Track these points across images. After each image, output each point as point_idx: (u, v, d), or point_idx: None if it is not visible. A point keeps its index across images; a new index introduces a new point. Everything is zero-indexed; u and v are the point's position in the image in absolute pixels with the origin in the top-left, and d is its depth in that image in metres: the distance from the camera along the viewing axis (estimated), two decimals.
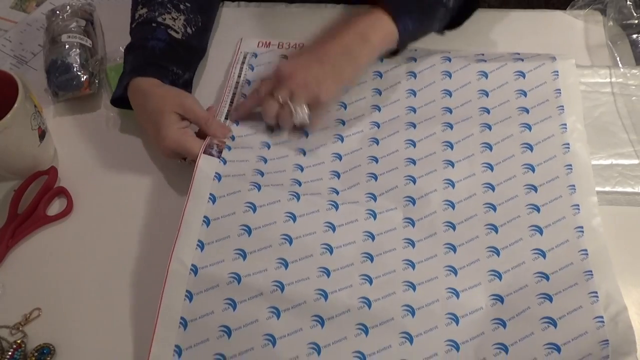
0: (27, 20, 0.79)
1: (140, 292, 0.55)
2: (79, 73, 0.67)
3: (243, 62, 0.69)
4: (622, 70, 0.67)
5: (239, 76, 0.68)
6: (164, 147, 0.58)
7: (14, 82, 0.57)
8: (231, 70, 0.68)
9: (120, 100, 0.63)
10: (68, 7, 0.73)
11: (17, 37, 0.77)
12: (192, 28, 0.66)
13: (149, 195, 0.62)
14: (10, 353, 0.51)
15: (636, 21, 0.71)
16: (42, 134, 0.61)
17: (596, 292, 0.50)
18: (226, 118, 0.63)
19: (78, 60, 0.68)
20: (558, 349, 0.48)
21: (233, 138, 0.61)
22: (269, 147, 0.61)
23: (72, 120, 0.68)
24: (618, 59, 0.68)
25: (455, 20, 0.67)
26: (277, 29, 0.74)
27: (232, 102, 0.65)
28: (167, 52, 0.63)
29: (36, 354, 0.52)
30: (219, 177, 0.57)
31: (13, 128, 0.56)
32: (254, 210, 0.55)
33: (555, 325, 0.49)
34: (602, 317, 0.49)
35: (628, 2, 0.71)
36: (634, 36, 0.70)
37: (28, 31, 0.78)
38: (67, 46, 0.68)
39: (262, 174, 0.59)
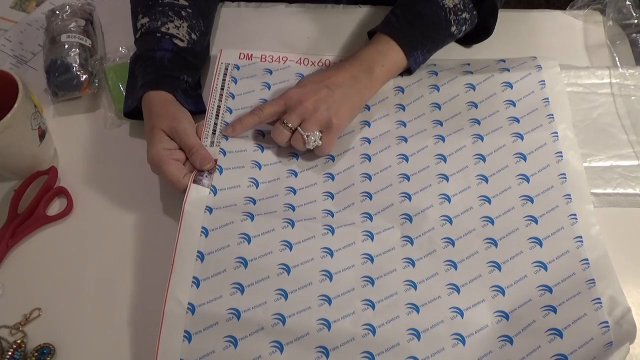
0: (27, 20, 0.79)
1: (140, 292, 0.55)
2: (78, 73, 0.67)
3: (225, 74, 0.67)
4: (620, 70, 0.67)
5: (222, 88, 0.66)
6: (148, 163, 0.58)
7: (14, 82, 0.57)
8: (213, 81, 0.66)
9: (132, 112, 0.63)
10: (68, 7, 0.73)
11: (17, 37, 0.77)
12: (196, 34, 0.66)
13: (149, 194, 0.62)
14: (10, 353, 0.51)
15: (635, 21, 0.71)
16: (42, 134, 0.61)
17: (599, 299, 0.50)
18: (213, 132, 0.62)
19: (77, 60, 0.67)
20: (566, 359, 0.48)
21: (224, 153, 0.60)
22: (260, 167, 0.60)
23: (72, 120, 0.68)
24: (617, 58, 0.69)
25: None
26: (277, 29, 0.74)
27: (217, 114, 0.64)
28: (175, 61, 0.63)
29: (36, 354, 0.52)
30: (210, 209, 0.55)
31: (13, 128, 0.56)
32: (249, 241, 0.54)
33: (561, 335, 0.49)
34: (607, 321, 0.49)
35: (627, 2, 0.71)
36: (634, 36, 0.70)
37: (28, 31, 0.78)
38: (66, 46, 0.68)
39: (254, 201, 0.57)
